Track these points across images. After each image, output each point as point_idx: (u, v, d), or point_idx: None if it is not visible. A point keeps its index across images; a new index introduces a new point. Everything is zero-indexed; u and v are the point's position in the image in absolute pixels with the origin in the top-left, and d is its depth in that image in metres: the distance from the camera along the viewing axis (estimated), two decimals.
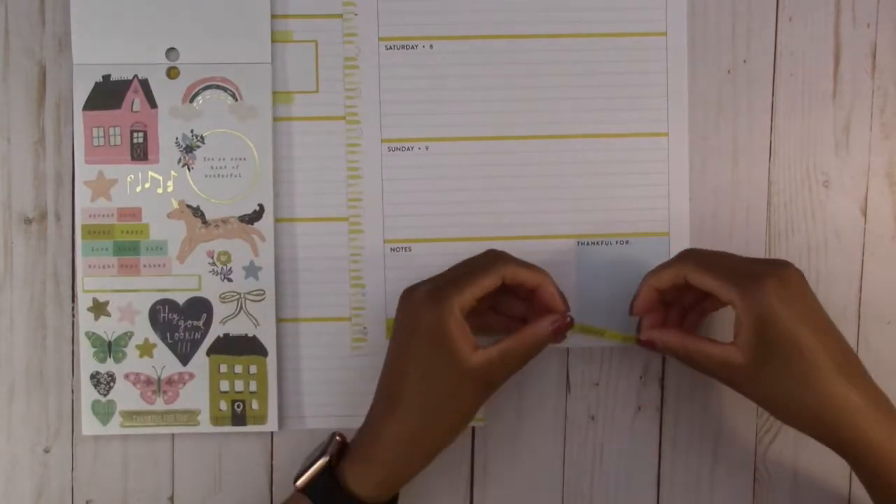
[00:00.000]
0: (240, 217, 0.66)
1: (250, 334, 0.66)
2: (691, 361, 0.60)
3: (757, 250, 0.67)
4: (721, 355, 0.58)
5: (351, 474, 0.59)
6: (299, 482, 0.59)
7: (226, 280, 0.66)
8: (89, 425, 0.66)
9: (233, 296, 0.66)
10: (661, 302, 0.63)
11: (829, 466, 0.68)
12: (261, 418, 0.66)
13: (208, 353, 0.66)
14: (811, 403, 0.56)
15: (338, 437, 0.61)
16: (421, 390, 0.58)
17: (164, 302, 0.66)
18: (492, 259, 0.60)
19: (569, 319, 0.60)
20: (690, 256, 0.60)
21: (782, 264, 0.58)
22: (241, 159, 0.65)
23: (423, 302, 0.58)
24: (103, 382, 0.65)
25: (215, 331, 0.66)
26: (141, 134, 0.65)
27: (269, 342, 0.66)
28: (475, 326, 0.59)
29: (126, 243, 0.65)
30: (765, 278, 0.57)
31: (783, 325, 0.56)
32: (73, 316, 0.66)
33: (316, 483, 0.59)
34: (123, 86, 0.65)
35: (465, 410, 0.59)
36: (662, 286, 0.61)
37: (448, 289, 0.58)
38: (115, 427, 0.66)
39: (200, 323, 0.66)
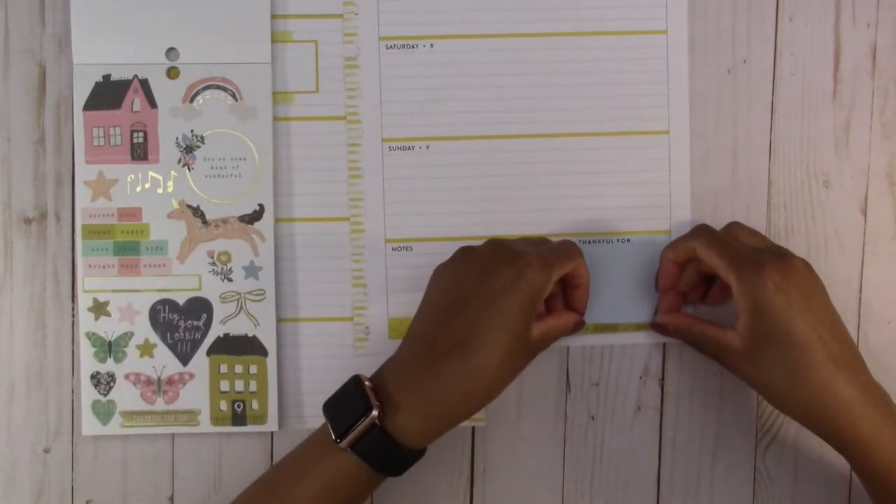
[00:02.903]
0: (240, 217, 0.66)
1: (250, 334, 0.66)
2: (696, 344, 0.63)
3: None
4: (720, 339, 0.60)
5: (402, 424, 0.56)
6: (345, 441, 0.56)
7: (226, 280, 0.66)
8: (89, 425, 0.66)
9: (233, 296, 0.66)
10: (681, 291, 0.65)
11: (829, 466, 0.68)
12: (261, 418, 0.66)
13: (208, 353, 0.66)
14: (803, 393, 0.57)
15: (368, 383, 0.57)
16: (500, 345, 0.57)
17: (164, 302, 0.65)
18: (573, 246, 0.62)
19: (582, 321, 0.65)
20: (704, 232, 0.62)
21: (787, 255, 0.60)
22: (241, 159, 0.65)
23: (534, 264, 0.58)
24: (103, 382, 0.65)
25: (215, 331, 0.66)
26: (141, 134, 0.65)
27: (269, 342, 0.66)
28: None
29: (126, 243, 0.65)
30: (765, 266, 0.58)
31: (777, 315, 0.57)
32: (73, 316, 0.66)
33: (364, 439, 0.56)
34: (123, 86, 0.65)
35: (512, 376, 0.59)
36: (678, 259, 0.63)
37: (554, 260, 0.59)
38: (115, 427, 0.66)
39: (200, 323, 0.66)
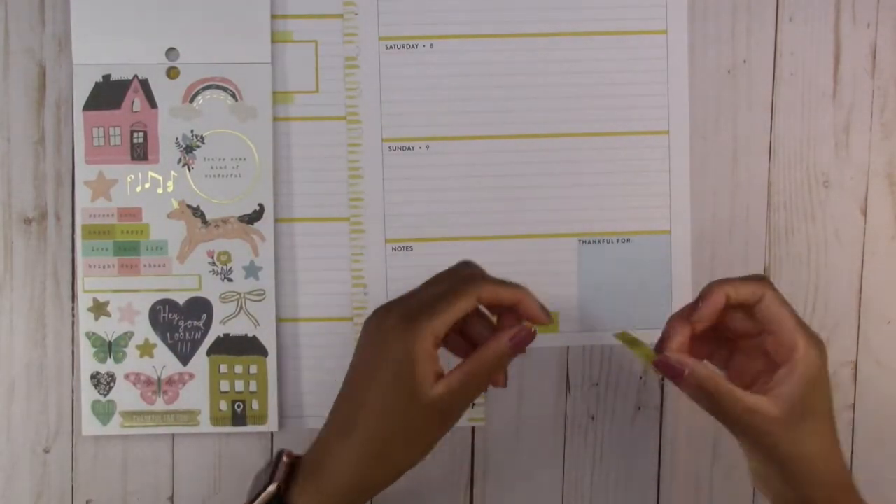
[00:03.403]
0: (240, 217, 0.66)
1: (250, 334, 0.66)
2: (716, 403, 0.55)
3: (757, 250, 0.68)
4: (755, 403, 0.54)
5: (301, 498, 0.55)
6: None
7: (226, 280, 0.66)
8: (89, 425, 0.66)
9: (233, 296, 0.66)
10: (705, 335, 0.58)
11: None
12: (261, 418, 0.66)
13: (208, 353, 0.66)
14: (826, 471, 0.55)
15: (285, 458, 0.56)
16: (378, 421, 0.54)
17: (164, 302, 0.65)
18: (466, 279, 0.56)
19: (532, 330, 0.55)
20: (770, 282, 0.56)
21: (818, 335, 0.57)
22: (241, 159, 0.65)
23: (394, 329, 0.54)
24: (103, 382, 0.65)
25: (215, 331, 0.66)
26: (141, 134, 0.65)
27: (269, 342, 0.66)
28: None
29: (126, 243, 0.65)
30: (819, 340, 0.55)
31: (825, 388, 0.55)
32: (73, 316, 0.66)
33: None
34: (123, 86, 0.65)
35: (424, 442, 0.55)
36: (737, 298, 0.56)
37: (421, 316, 0.53)
38: (115, 427, 0.66)
39: (200, 323, 0.66)
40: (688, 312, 0.56)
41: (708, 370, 0.55)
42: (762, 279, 0.57)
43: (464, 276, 0.56)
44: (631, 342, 0.57)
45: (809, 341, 0.55)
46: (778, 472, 0.56)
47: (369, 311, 0.65)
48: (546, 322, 0.56)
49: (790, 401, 0.54)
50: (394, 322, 0.54)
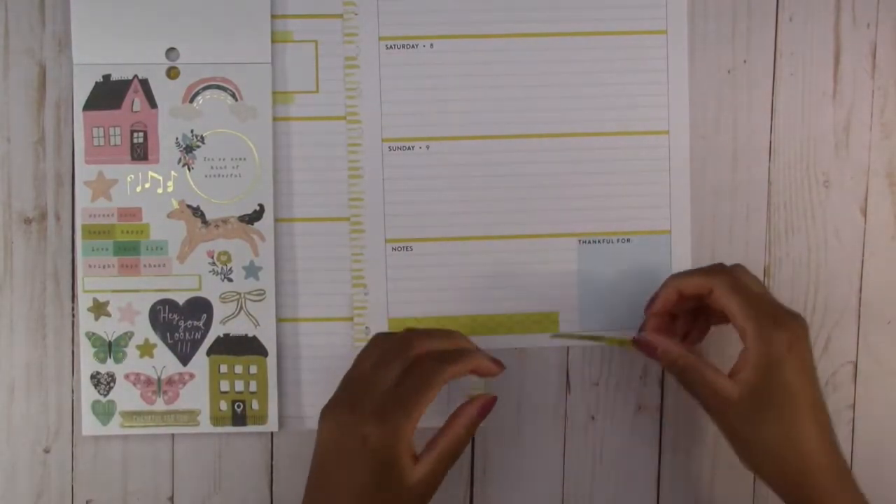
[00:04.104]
0: (240, 217, 0.66)
1: (250, 334, 0.66)
2: (686, 379, 0.59)
3: (757, 250, 0.67)
4: (718, 384, 0.57)
5: None
6: None
7: (226, 280, 0.66)
8: (89, 425, 0.66)
9: (233, 296, 0.66)
10: (671, 312, 0.62)
11: None
12: (261, 418, 0.66)
13: (208, 353, 0.66)
14: (790, 456, 0.56)
15: None
16: None
17: (164, 302, 0.65)
18: (428, 370, 0.56)
19: (494, 396, 0.59)
20: (724, 273, 0.58)
21: (797, 315, 0.57)
22: (241, 159, 0.65)
23: (371, 425, 0.54)
24: (103, 382, 0.65)
25: (215, 331, 0.66)
26: (141, 134, 0.65)
27: (269, 342, 0.66)
28: None
29: (126, 243, 0.65)
30: (784, 324, 0.56)
31: (787, 376, 0.56)
32: (73, 316, 0.66)
33: None
34: (123, 86, 0.65)
35: None
36: (687, 291, 0.60)
37: (397, 413, 0.55)
38: (115, 427, 0.66)
39: (200, 323, 0.66)
40: (648, 303, 0.62)
41: (677, 347, 0.59)
42: (715, 271, 0.59)
43: (426, 367, 0.56)
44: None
45: (763, 326, 0.56)
46: (741, 453, 0.58)
47: (369, 311, 0.66)
48: (495, 372, 0.60)
49: (749, 386, 0.56)
50: (371, 418, 0.55)
